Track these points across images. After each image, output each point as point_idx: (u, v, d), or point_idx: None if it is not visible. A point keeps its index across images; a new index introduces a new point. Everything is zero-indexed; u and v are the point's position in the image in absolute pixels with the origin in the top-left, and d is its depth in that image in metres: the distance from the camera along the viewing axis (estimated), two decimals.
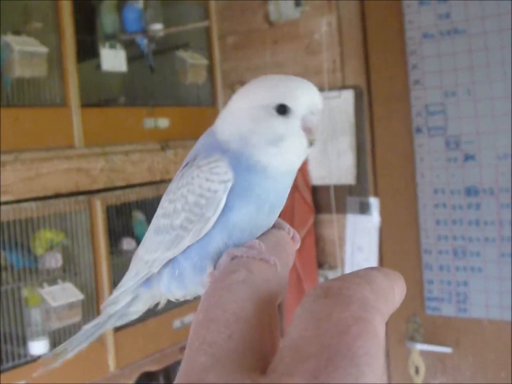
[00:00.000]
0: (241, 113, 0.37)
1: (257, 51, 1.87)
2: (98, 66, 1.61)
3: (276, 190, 0.37)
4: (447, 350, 1.59)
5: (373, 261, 1.65)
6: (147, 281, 0.41)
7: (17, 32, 1.42)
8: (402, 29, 1.60)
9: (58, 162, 1.43)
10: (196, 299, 0.35)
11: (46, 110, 1.45)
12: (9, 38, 1.39)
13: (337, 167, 1.71)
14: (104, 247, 1.52)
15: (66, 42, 1.49)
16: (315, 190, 1.77)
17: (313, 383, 0.21)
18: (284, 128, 0.36)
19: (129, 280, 0.42)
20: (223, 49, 1.94)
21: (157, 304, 0.43)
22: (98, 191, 1.52)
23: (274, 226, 0.38)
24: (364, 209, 1.69)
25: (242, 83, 1.89)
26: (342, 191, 1.72)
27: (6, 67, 1.39)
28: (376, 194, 1.69)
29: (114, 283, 1.51)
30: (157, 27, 1.70)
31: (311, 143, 0.37)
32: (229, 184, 0.36)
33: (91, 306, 1.49)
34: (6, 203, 1.32)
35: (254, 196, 0.36)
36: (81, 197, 1.48)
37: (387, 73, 1.64)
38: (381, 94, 1.66)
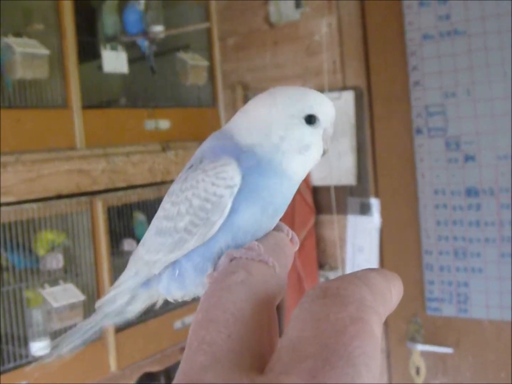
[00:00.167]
0: (271, 121, 0.38)
1: (257, 52, 1.87)
2: (100, 67, 1.61)
3: (283, 194, 0.38)
4: (447, 350, 1.59)
5: (374, 262, 1.65)
6: (146, 281, 0.41)
7: (18, 34, 1.43)
8: (402, 30, 1.60)
9: (60, 163, 1.43)
10: (196, 300, 0.35)
11: (48, 111, 1.46)
12: (11, 39, 1.39)
13: (337, 168, 1.72)
14: (105, 248, 1.52)
15: (68, 44, 1.49)
16: (316, 191, 1.78)
17: (310, 383, 0.21)
18: (311, 137, 0.38)
19: (128, 279, 0.42)
20: (223, 50, 1.94)
21: (154, 304, 0.43)
22: (99, 192, 1.52)
23: (273, 228, 0.39)
24: (364, 209, 1.69)
25: (242, 84, 1.89)
26: (343, 191, 1.73)
27: (7, 68, 1.39)
28: (376, 194, 1.69)
29: None
30: (158, 29, 1.71)
31: (324, 153, 0.39)
32: (235, 189, 0.36)
33: (92, 307, 1.48)
34: (8, 204, 1.32)
35: (260, 198, 0.37)
36: (82, 198, 1.49)
37: (387, 74, 1.64)
38: (381, 95, 1.67)
